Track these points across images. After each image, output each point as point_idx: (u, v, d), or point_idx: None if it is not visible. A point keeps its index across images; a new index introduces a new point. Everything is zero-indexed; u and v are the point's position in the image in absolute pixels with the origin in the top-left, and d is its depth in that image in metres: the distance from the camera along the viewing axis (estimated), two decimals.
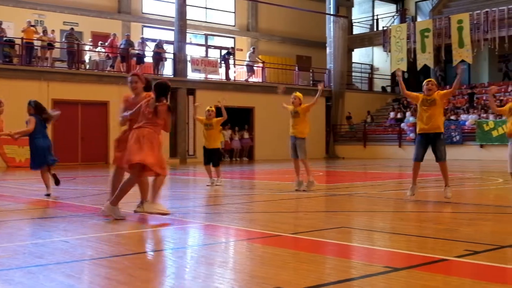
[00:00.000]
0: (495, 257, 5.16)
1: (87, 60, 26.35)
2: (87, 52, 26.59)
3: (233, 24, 34.62)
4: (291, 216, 8.28)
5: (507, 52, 31.11)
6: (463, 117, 29.22)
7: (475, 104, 30.40)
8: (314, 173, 12.10)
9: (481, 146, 27.43)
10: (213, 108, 13.01)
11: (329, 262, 5.10)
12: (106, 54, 26.82)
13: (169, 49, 27.95)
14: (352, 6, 38.31)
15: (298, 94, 11.50)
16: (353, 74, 37.68)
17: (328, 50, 34.32)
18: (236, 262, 5.16)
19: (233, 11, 34.63)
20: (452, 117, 29.41)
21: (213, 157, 12.95)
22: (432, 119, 9.12)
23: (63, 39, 25.56)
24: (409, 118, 30.72)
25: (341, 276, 4.45)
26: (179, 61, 27.64)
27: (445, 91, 9.48)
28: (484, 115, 28.58)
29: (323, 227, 6.91)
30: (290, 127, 11.41)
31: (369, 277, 4.38)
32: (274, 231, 6.55)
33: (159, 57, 27.32)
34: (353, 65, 38.09)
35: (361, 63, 39.29)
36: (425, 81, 9.48)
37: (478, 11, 29.68)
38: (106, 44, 26.77)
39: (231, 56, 30.88)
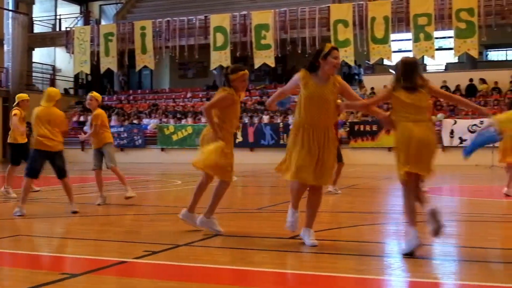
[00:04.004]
0: (172, 256, 5.29)
1: None
2: None
3: None
4: None
5: (187, 60, 32.83)
6: (145, 121, 29.99)
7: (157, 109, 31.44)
8: None
9: (162, 149, 28.45)
10: None
11: (4, 274, 4.69)
12: None
13: None
14: (33, 3, 36.56)
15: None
16: (34, 74, 36.01)
17: (6, 47, 32.33)
18: None
19: None
20: (135, 121, 30.00)
21: None
22: None
23: None
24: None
25: (16, 287, 4.10)
26: None
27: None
28: (165, 120, 29.72)
29: None
30: None
31: (44, 286, 4.11)
32: None
33: None
34: (34, 65, 36.42)
35: (43, 63, 37.77)
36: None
37: (160, 19, 30.79)
38: None
39: None
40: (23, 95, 11.03)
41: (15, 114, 10.48)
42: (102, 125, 9.37)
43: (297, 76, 5.67)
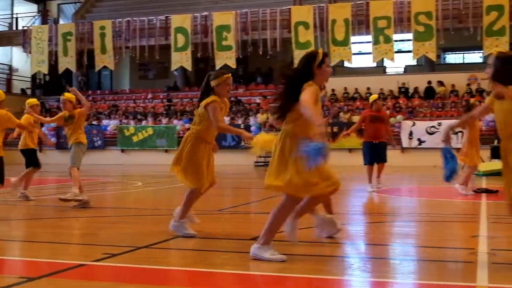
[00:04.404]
0: (132, 258, 5.23)
1: None
2: None
3: None
4: None
5: (148, 61, 32.59)
6: (104, 122, 29.66)
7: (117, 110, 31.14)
8: None
9: (122, 150, 28.18)
10: None
11: None
12: None
13: None
14: None
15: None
16: None
17: None
18: None
19: None
20: (94, 122, 29.65)
21: None
22: None
23: None
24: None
25: None
26: None
27: None
28: (125, 121, 29.46)
29: None
30: None
31: None
32: None
33: None
34: None
35: None
36: None
37: (120, 19, 30.50)
38: None
39: None
40: (33, 100, 10.51)
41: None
42: (77, 125, 9.21)
43: (314, 90, 4.84)
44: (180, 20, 29.20)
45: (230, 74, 6.21)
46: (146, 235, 6.39)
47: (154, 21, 30.27)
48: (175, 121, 28.50)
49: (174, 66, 29.32)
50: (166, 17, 29.97)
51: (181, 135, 26.81)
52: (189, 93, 32.44)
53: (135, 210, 9.29)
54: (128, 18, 30.50)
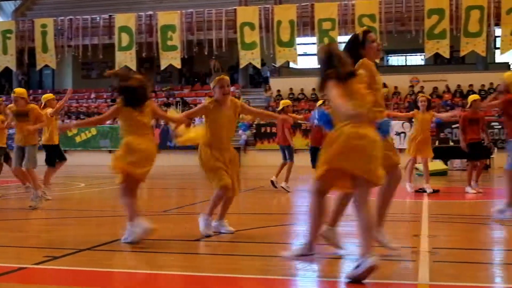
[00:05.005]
0: (74, 261, 5.13)
1: None
2: None
3: None
4: None
5: (91, 60, 32.06)
6: None
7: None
8: None
9: (65, 151, 27.57)
10: None
11: None
12: None
13: None
14: None
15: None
16: None
17: None
18: None
19: None
20: None
21: None
22: None
23: None
24: None
25: None
26: None
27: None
28: (68, 121, 28.90)
29: None
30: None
31: None
32: None
33: None
34: None
35: None
36: None
37: (62, 18, 29.92)
38: None
39: None
40: (49, 95, 10.82)
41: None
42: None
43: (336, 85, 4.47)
44: (124, 19, 28.85)
45: (223, 76, 6.22)
46: (89, 237, 6.27)
47: (98, 20, 29.83)
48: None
49: (118, 66, 28.89)
50: (110, 16, 29.56)
51: None
52: None
53: (78, 212, 9.11)
54: (71, 16, 29.96)
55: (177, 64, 28.01)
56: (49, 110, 10.25)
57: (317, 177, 4.48)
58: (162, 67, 28.41)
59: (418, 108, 11.42)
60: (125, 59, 28.50)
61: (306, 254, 4.61)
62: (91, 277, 4.57)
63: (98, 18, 29.86)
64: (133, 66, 28.64)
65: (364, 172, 4.34)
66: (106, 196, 12.26)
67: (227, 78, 6.24)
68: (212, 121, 6.15)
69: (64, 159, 10.97)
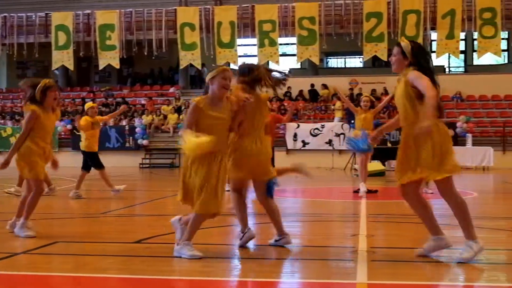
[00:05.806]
0: (9, 265, 5.01)
1: None
2: None
3: None
4: None
5: (26, 59, 31.23)
6: None
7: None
8: None
9: (0, 152, 26.86)
10: None
11: None
12: None
13: None
14: None
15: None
16: None
17: None
18: None
19: None
20: None
21: None
22: None
23: None
24: None
25: None
26: None
27: None
28: (2, 121, 28.14)
29: None
30: None
31: None
32: None
33: None
34: None
35: None
36: None
37: None
38: None
39: None
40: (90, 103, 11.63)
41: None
42: None
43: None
44: (61, 18, 28.20)
45: (225, 67, 5.54)
46: (24, 241, 6.11)
47: (33, 18, 29.08)
48: (56, 122, 27.49)
49: (55, 65, 28.30)
50: (46, 14, 28.87)
51: (62, 136, 25.93)
52: (71, 93, 31.44)
53: (13, 215, 8.84)
54: (5, 14, 29.11)
55: (116, 64, 27.58)
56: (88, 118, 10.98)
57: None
58: (101, 67, 27.91)
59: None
60: (62, 58, 27.86)
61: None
62: (29, 281, 4.47)
63: (34, 16, 29.11)
64: (70, 65, 28.06)
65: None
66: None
67: (231, 71, 5.54)
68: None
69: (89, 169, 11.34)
